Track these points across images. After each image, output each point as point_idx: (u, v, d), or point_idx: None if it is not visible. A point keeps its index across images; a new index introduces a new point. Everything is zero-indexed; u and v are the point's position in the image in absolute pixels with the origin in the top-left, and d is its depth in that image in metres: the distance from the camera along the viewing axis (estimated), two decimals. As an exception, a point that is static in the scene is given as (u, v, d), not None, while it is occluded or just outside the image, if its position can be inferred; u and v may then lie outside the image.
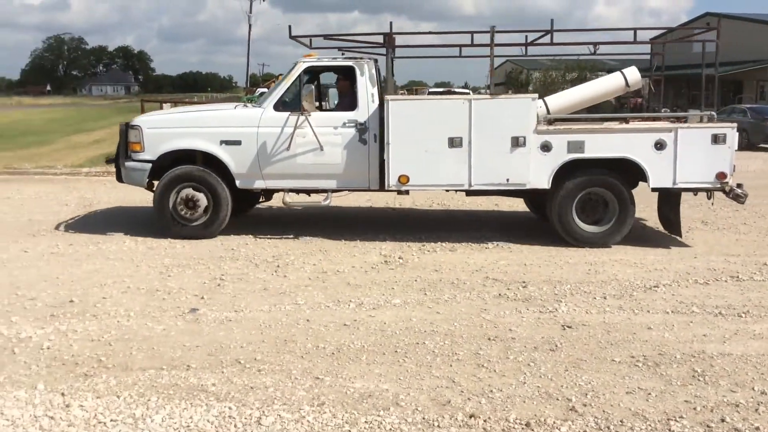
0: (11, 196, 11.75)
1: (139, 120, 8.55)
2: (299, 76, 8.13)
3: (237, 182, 8.29)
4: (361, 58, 8.26)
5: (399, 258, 7.36)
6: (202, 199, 8.24)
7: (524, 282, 6.46)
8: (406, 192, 8.42)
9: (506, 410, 3.91)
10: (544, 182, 7.85)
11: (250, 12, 47.42)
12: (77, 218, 9.64)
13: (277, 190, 8.67)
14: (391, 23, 8.21)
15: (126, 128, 8.46)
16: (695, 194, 8.18)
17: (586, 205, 7.97)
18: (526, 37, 8.83)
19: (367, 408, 3.93)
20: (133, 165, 8.39)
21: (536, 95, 8.10)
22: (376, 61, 8.44)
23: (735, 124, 7.86)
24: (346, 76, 8.34)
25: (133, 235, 8.32)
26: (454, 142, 7.76)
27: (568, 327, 5.27)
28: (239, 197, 8.66)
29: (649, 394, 4.13)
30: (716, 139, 7.60)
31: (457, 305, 5.81)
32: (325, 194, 8.34)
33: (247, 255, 7.49)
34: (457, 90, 29.85)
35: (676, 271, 6.89)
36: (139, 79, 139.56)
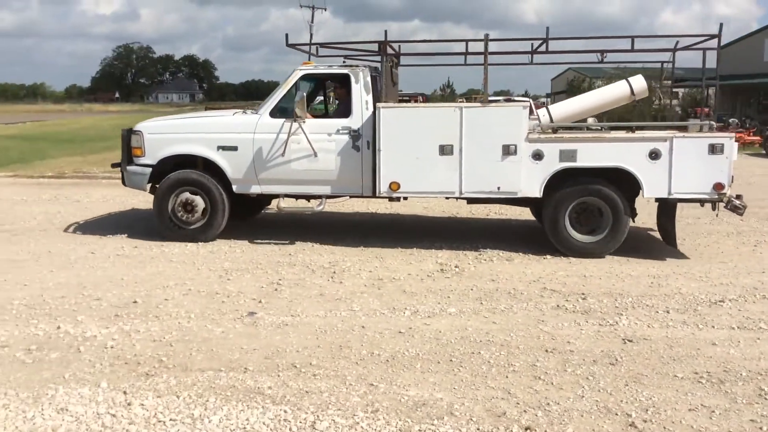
0: (80, 199, 12.19)
1: (141, 126, 8.81)
2: (296, 83, 8.27)
3: (234, 187, 8.45)
4: (356, 66, 8.29)
5: (455, 266, 7.32)
6: (200, 203, 8.45)
7: (584, 294, 6.34)
8: (398, 199, 8.43)
9: (563, 424, 3.83)
10: (535, 191, 7.79)
11: (312, 22, 48.01)
12: (142, 221, 9.91)
13: (273, 196, 8.81)
14: (386, 32, 8.19)
15: (128, 134, 8.74)
16: (702, 205, 7.92)
17: (581, 214, 7.88)
18: (532, 45, 8.65)
19: (421, 416, 3.91)
20: (134, 169, 8.66)
21: (527, 103, 8.08)
22: (376, 69, 8.43)
23: (733, 134, 7.65)
24: (343, 84, 8.41)
25: (194, 240, 8.49)
26: (445, 150, 7.78)
27: (629, 341, 5.13)
28: (245, 201, 8.88)
29: (713, 411, 3.99)
30: (713, 149, 7.40)
31: (513, 315, 5.74)
32: (320, 200, 8.44)
33: (304, 261, 7.57)
34: (516, 98, 29.56)
35: (742, 286, 6.64)
36: (204, 86, 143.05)
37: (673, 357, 4.82)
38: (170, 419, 3.85)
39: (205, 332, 5.28)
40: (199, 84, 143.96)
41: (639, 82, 8.68)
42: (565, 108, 8.87)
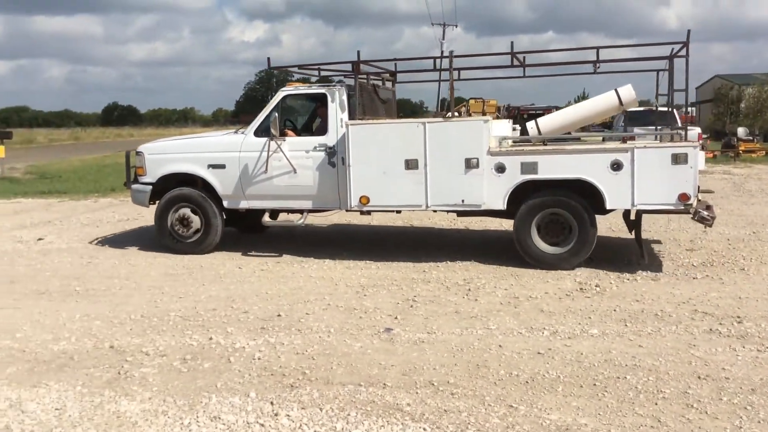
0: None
1: (143, 147, 9.55)
2: (278, 103, 8.67)
3: (224, 203, 9.00)
4: (333, 85, 8.56)
5: (596, 286, 7.06)
6: (195, 219, 9.03)
7: (739, 317, 5.90)
8: (368, 212, 8.79)
9: (721, 458, 3.58)
10: (499, 203, 7.88)
11: (443, 39, 48.62)
12: (283, 238, 10.35)
13: (260, 210, 9.15)
14: (358, 52, 8.31)
15: (133, 154, 9.46)
16: (694, 217, 7.38)
17: (550, 226, 7.88)
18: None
19: (564, 441, 3.79)
20: (137, 187, 9.36)
21: (489, 118, 8.13)
22: (346, 86, 8.54)
23: (698, 144, 7.20)
24: (322, 103, 8.65)
25: (332, 257, 8.77)
26: (410, 164, 7.99)
27: (794, 370, 4.72)
28: (244, 216, 9.49)
29: None
30: (677, 159, 7.19)
31: (661, 339, 5.44)
32: (301, 214, 8.85)
33: (438, 278, 7.59)
34: (657, 108, 28.13)
35: None
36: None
37: None
38: (314, 431, 3.97)
39: (345, 347, 5.41)
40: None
41: (627, 92, 8.51)
42: (553, 120, 8.95)
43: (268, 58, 9.19)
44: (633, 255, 8.34)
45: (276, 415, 4.19)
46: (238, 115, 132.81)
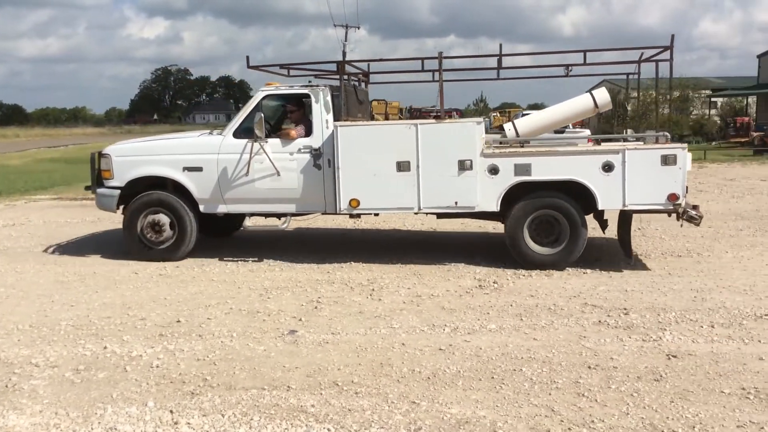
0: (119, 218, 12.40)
1: (109, 149, 9.01)
2: (258, 103, 8.42)
3: (200, 207, 8.62)
4: (317, 86, 8.39)
5: (494, 282, 7.29)
6: (167, 224, 8.62)
7: (625, 309, 6.25)
8: (358, 216, 8.61)
9: (609, 442, 3.78)
10: (492, 205, 7.90)
11: (345, 40, 48.71)
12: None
13: (240, 215, 8.99)
14: (344, 52, 8.48)
15: (99, 157, 8.90)
16: (669, 216, 7.94)
17: (540, 226, 7.97)
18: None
19: (464, 435, 3.90)
20: (103, 191, 8.87)
21: (481, 119, 8.27)
22: (338, 88, 8.48)
23: (686, 145, 7.69)
24: (305, 104, 8.52)
25: (235, 259, 8.64)
26: (402, 166, 7.92)
27: (674, 356, 5.05)
28: (221, 219, 9.23)
29: (762, 428, 3.90)
30: (666, 161, 7.47)
31: (554, 332, 5.69)
32: (284, 218, 8.60)
33: (342, 278, 7.62)
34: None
35: (791, 299, 6.48)
36: (240, 106, 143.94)
37: (719, 372, 4.73)
38: (216, 438, 3.90)
39: (248, 351, 5.34)
40: (235, 104, 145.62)
41: (602, 95, 8.83)
42: (530, 122, 9.14)
43: (247, 57, 8.76)
44: (616, 255, 8.40)
45: (176, 423, 4.09)
46: (134, 115, 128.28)
